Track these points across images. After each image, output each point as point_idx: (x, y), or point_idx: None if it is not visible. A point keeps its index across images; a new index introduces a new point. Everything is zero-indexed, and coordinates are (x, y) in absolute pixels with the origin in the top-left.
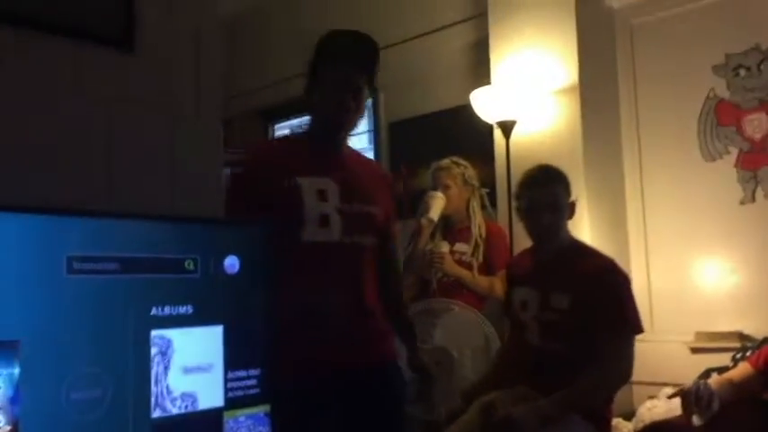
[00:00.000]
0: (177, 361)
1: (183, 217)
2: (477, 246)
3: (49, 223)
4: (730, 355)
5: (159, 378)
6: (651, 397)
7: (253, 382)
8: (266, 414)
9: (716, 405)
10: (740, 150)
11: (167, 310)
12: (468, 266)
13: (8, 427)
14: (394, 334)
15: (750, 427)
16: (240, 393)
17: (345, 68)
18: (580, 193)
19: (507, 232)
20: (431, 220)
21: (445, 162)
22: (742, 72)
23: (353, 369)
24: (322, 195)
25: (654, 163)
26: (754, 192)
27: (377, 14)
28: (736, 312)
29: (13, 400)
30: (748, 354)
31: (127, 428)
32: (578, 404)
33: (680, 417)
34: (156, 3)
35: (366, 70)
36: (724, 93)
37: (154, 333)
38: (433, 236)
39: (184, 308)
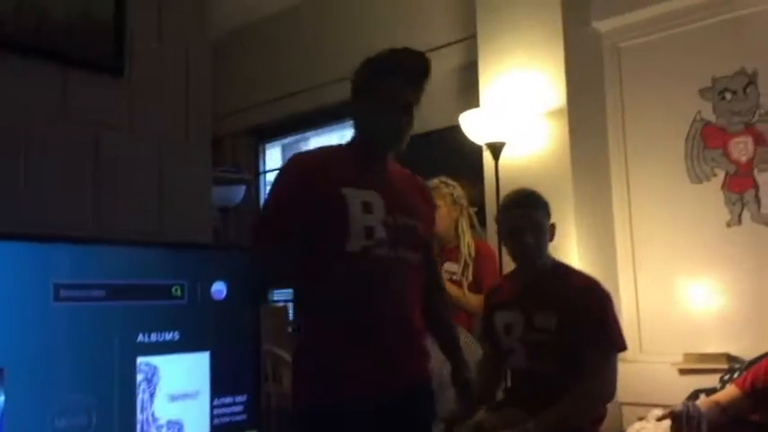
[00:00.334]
0: (163, 388)
1: (171, 243)
2: (466, 264)
3: (35, 250)
4: (718, 376)
5: (145, 405)
6: (640, 418)
7: (239, 408)
8: None
9: (704, 427)
10: (727, 173)
11: (154, 336)
12: (459, 285)
13: None
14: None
15: None
16: (227, 420)
17: (400, 86)
18: (568, 214)
19: (496, 251)
20: None
21: (434, 182)
22: (728, 95)
23: (397, 389)
24: (367, 207)
25: (641, 184)
26: (740, 214)
27: (366, 36)
28: (723, 334)
29: None
30: (736, 375)
31: None
32: (565, 423)
33: None
34: (146, 29)
35: (418, 86)
36: (710, 116)
37: (140, 360)
38: None
39: (171, 334)
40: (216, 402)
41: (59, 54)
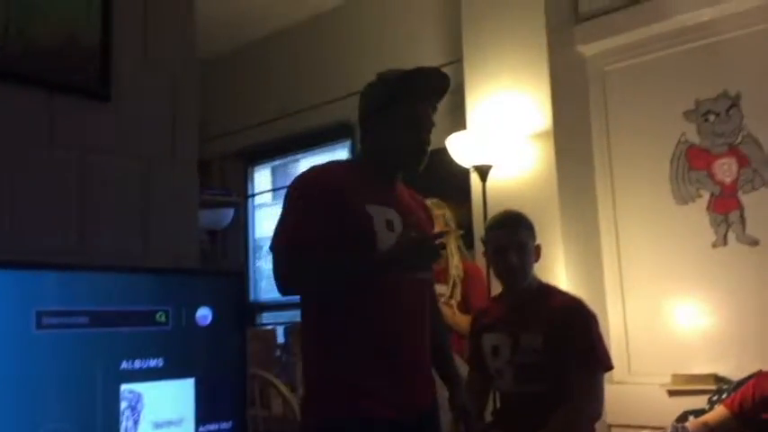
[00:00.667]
0: (147, 415)
1: (155, 268)
2: (455, 285)
3: (18, 278)
4: (707, 397)
5: None
6: None
7: None
8: None
9: None
10: (711, 194)
11: (138, 363)
12: (449, 307)
13: None
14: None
15: None
16: None
17: (424, 106)
18: (556, 236)
19: (484, 272)
20: None
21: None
22: (711, 117)
23: (416, 411)
24: (389, 225)
25: (628, 206)
26: (725, 235)
27: (354, 60)
28: (711, 354)
29: None
30: (724, 396)
31: None
32: None
33: None
34: (132, 53)
35: (435, 104)
36: (694, 138)
37: (123, 387)
38: None
39: (155, 361)
40: (201, 429)
41: (45, 80)
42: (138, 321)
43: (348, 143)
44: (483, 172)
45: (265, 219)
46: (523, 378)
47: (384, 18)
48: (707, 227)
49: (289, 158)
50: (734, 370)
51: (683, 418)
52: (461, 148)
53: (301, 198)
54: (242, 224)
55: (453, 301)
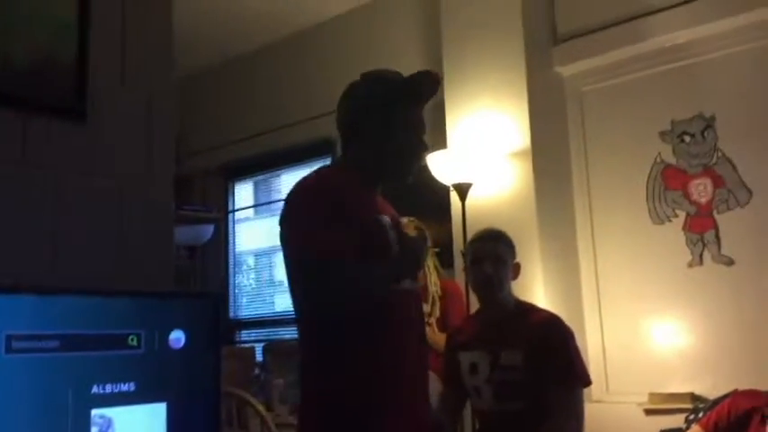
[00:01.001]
0: None
1: (128, 291)
2: (433, 302)
3: None
4: (684, 416)
5: None
6: None
7: None
8: None
9: None
10: (687, 214)
11: (109, 387)
12: (427, 324)
13: None
14: None
15: None
16: None
17: (420, 108)
18: (534, 254)
19: (464, 290)
20: None
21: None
22: (687, 138)
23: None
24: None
25: (605, 225)
26: (701, 254)
27: (336, 76)
28: (687, 373)
29: None
30: (700, 415)
31: None
32: None
33: None
34: (108, 73)
35: (423, 106)
36: (670, 158)
37: (94, 412)
38: None
39: (126, 385)
40: None
41: (19, 97)
42: (110, 345)
43: (329, 159)
44: (463, 190)
45: (246, 233)
46: (503, 396)
47: (367, 36)
48: (683, 246)
49: (272, 173)
50: (710, 389)
51: None
52: (442, 166)
53: (310, 206)
54: (223, 239)
55: (432, 319)
